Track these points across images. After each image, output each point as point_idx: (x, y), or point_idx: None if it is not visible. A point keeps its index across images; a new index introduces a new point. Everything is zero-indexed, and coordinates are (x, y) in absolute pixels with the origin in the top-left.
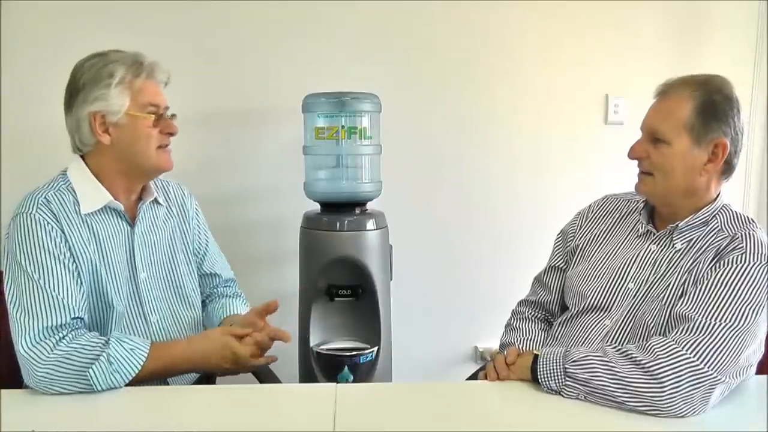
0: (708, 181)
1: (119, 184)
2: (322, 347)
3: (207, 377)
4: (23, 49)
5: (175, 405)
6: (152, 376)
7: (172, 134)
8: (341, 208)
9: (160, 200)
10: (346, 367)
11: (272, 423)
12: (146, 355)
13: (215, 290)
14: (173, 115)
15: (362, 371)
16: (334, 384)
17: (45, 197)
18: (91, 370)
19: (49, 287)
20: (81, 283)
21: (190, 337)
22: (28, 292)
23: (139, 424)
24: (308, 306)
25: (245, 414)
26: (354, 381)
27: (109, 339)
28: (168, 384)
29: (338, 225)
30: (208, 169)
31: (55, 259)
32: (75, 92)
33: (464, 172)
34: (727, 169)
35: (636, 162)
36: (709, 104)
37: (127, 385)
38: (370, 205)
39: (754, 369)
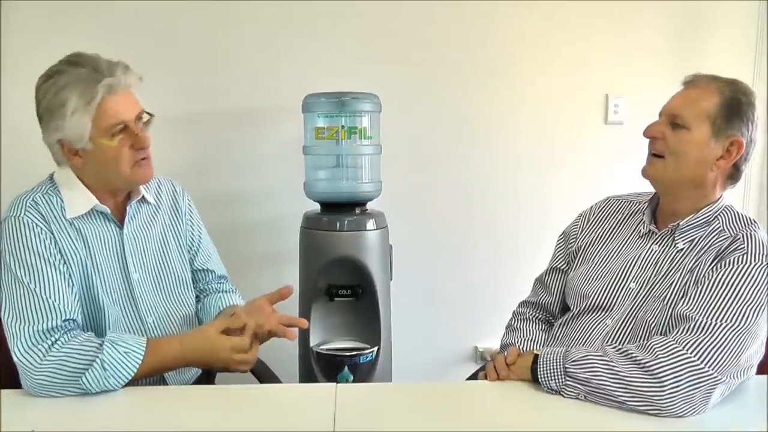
0: (715, 179)
1: (102, 192)
2: (322, 347)
3: (206, 376)
4: (23, 49)
5: (175, 405)
6: (146, 375)
7: (143, 148)
8: (341, 208)
9: (149, 198)
10: (346, 367)
11: (272, 423)
12: (141, 358)
13: (209, 286)
14: (149, 119)
15: (362, 371)
16: (334, 384)
17: (33, 199)
18: (84, 378)
19: (39, 290)
20: (72, 284)
21: (186, 335)
22: (19, 297)
23: (138, 424)
24: (308, 306)
25: (245, 414)
26: (354, 381)
27: (103, 342)
28: (166, 382)
29: (338, 225)
30: (208, 170)
31: (45, 262)
32: (39, 118)
33: (464, 172)
34: (734, 173)
35: (647, 144)
36: (735, 102)
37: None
38: (370, 205)
39: (754, 369)
